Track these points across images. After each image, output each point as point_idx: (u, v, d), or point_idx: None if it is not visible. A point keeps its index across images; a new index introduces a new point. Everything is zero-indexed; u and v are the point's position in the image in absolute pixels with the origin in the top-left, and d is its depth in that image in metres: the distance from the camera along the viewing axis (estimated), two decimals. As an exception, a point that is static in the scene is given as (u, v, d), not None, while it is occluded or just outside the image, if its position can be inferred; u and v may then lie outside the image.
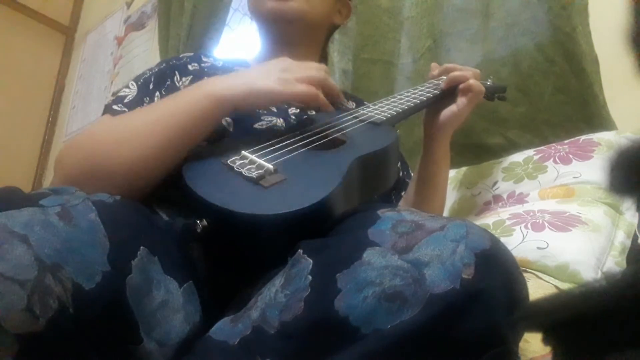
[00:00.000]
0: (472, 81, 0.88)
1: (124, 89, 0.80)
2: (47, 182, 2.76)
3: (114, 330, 0.45)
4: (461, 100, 0.88)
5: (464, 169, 1.17)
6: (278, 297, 0.45)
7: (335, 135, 0.72)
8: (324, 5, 0.93)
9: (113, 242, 0.46)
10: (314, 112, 0.85)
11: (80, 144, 0.69)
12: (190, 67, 0.86)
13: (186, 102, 0.66)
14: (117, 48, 2.64)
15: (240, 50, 2.05)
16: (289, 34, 0.91)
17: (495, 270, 0.42)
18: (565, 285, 0.74)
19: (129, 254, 0.48)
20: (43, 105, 2.91)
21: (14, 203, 0.45)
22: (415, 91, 0.91)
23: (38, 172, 2.82)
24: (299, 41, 0.93)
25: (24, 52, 2.83)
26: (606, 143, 0.95)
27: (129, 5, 2.68)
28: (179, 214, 0.65)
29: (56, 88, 2.95)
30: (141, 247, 0.50)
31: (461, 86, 0.89)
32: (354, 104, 0.98)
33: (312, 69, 0.71)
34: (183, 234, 0.59)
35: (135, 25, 2.56)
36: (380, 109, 0.82)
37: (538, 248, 0.79)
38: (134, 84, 0.81)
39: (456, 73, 0.90)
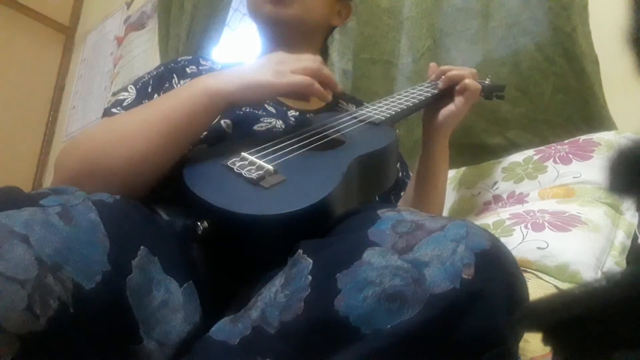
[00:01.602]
0: (468, 80, 0.88)
1: (123, 93, 0.80)
2: (47, 182, 2.76)
3: (114, 330, 0.45)
4: (458, 100, 0.89)
5: (464, 169, 1.17)
6: (278, 297, 0.45)
7: (335, 136, 0.72)
8: (322, 8, 0.93)
9: (113, 241, 0.46)
10: (313, 115, 0.85)
11: (79, 144, 0.69)
12: (188, 69, 0.86)
13: (182, 99, 0.66)
14: (117, 48, 2.64)
15: (241, 50, 2.05)
16: (287, 37, 0.92)
17: (496, 271, 0.42)
18: (565, 285, 0.75)
19: (129, 254, 0.48)
20: (43, 105, 2.90)
21: (14, 203, 0.45)
22: (414, 91, 0.91)
23: (38, 172, 2.82)
24: (297, 43, 0.93)
25: (24, 52, 2.83)
26: (606, 143, 0.95)
27: (129, 5, 2.68)
28: (179, 214, 0.64)
29: (56, 88, 2.95)
30: (141, 247, 0.50)
31: (458, 86, 0.89)
32: (354, 105, 0.98)
33: (306, 60, 0.71)
34: (183, 235, 0.59)
35: (135, 25, 2.56)
36: (379, 109, 0.82)
37: (538, 248, 0.79)
38: (133, 87, 0.81)
39: (453, 72, 0.90)
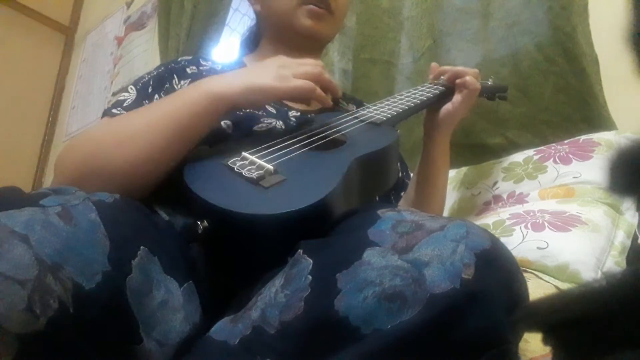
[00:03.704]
0: (468, 78, 0.89)
1: (123, 93, 0.80)
2: (47, 182, 2.76)
3: (114, 330, 0.45)
4: (456, 98, 0.89)
5: (464, 169, 1.17)
6: (278, 297, 0.45)
7: (335, 136, 0.72)
8: (342, 23, 0.99)
9: (113, 241, 0.46)
10: (314, 115, 0.85)
11: (80, 145, 0.69)
12: (188, 70, 0.86)
13: (184, 101, 0.66)
14: (117, 48, 2.64)
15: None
16: (304, 46, 0.93)
17: (496, 270, 0.42)
18: (565, 285, 0.74)
19: (129, 254, 0.48)
20: (43, 105, 2.91)
21: (14, 203, 0.45)
22: (416, 91, 0.91)
23: (38, 172, 2.82)
24: (309, 51, 0.94)
25: (24, 52, 2.83)
26: (606, 143, 0.95)
27: (129, 5, 2.68)
28: (179, 214, 0.65)
29: (56, 88, 2.95)
30: (141, 247, 0.50)
31: (458, 81, 0.89)
32: (354, 106, 0.98)
33: (308, 64, 0.71)
34: (183, 234, 0.59)
35: (135, 25, 2.56)
36: (380, 109, 0.82)
37: (538, 248, 0.79)
38: (133, 88, 0.81)
39: (457, 68, 0.91)
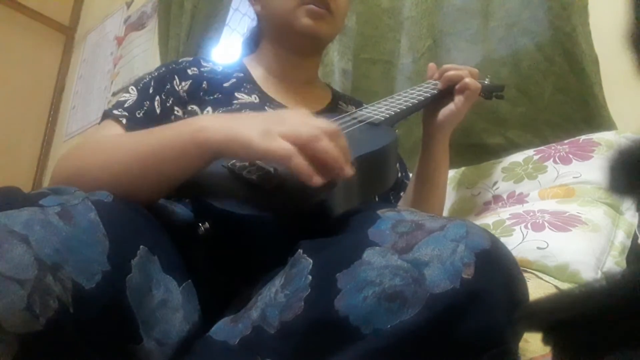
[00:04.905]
0: (468, 79, 0.88)
1: (124, 94, 0.80)
2: (47, 182, 2.76)
3: (114, 330, 0.45)
4: (458, 99, 0.89)
5: (463, 169, 1.17)
6: (278, 297, 0.45)
7: None
8: (344, 22, 0.97)
9: (113, 241, 0.47)
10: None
11: (69, 159, 0.68)
12: (189, 71, 0.86)
13: (171, 138, 0.61)
14: (117, 48, 2.63)
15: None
16: (306, 47, 0.92)
17: (496, 270, 0.42)
18: (565, 285, 0.75)
19: (128, 253, 0.48)
20: (43, 105, 2.90)
21: (14, 203, 0.45)
22: (414, 91, 0.91)
23: (38, 172, 2.82)
24: (309, 53, 0.95)
25: (24, 52, 2.83)
26: (606, 143, 0.95)
27: (129, 5, 2.68)
28: (180, 214, 0.65)
29: (56, 88, 2.95)
30: (141, 246, 0.50)
31: (457, 85, 0.89)
32: (354, 107, 0.98)
33: (307, 125, 0.55)
34: (183, 235, 0.59)
35: (135, 25, 2.56)
36: (378, 110, 0.82)
37: (538, 248, 0.79)
38: (134, 88, 0.81)
39: (451, 72, 0.90)
